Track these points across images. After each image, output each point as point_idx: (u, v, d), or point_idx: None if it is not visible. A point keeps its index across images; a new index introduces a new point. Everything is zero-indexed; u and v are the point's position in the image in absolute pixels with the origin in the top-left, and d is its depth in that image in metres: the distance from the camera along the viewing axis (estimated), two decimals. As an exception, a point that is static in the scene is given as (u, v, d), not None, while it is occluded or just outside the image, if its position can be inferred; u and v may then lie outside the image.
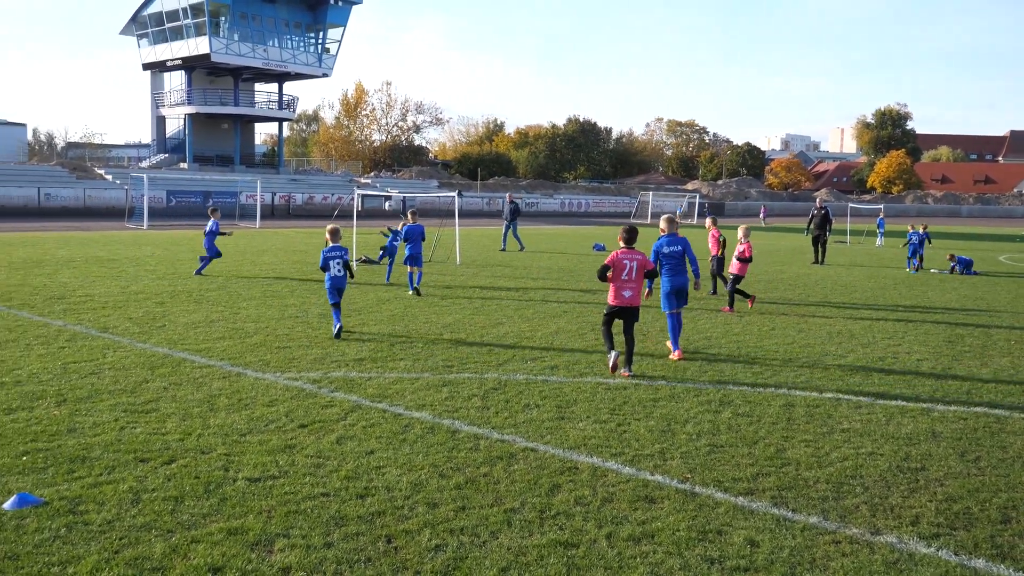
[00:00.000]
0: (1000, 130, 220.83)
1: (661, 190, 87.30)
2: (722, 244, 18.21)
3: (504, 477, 6.68)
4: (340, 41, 69.21)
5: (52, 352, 10.78)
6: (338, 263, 12.82)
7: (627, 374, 10.17)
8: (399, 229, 20.32)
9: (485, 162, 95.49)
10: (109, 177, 57.67)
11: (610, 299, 10.35)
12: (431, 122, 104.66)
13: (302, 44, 67.68)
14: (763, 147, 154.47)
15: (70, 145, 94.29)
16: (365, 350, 11.47)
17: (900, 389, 9.98)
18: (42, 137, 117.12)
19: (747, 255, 16.09)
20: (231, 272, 20.50)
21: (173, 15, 62.70)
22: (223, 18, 61.99)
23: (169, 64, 65.35)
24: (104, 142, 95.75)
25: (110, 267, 21.10)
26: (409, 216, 18.57)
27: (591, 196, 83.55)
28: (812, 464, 7.20)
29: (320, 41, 68.10)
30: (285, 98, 70.82)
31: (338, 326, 12.48)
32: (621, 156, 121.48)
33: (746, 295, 16.53)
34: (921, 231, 27.31)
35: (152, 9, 64.34)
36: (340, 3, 66.57)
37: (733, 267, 16.30)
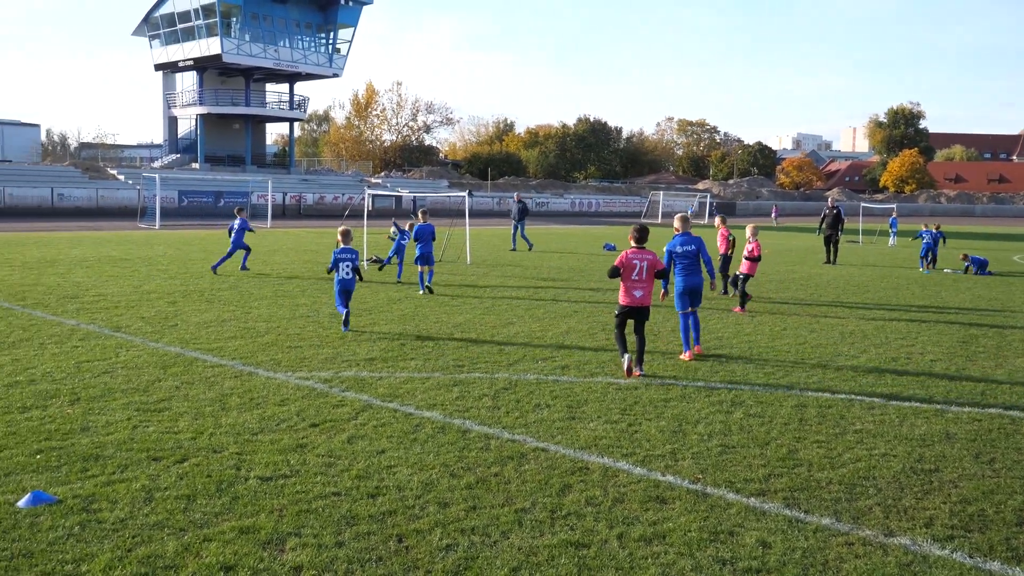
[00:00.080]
0: (1014, 129, 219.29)
1: (672, 190, 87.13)
2: (731, 243, 18.18)
3: (515, 477, 6.67)
4: (351, 41, 69.38)
5: (65, 351, 10.84)
6: (347, 266, 12.93)
7: (638, 373, 10.15)
8: (406, 228, 20.38)
9: (495, 162, 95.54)
10: (121, 177, 57.97)
11: (621, 299, 10.33)
12: (441, 122, 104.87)
13: (313, 44, 67.87)
14: (774, 146, 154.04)
15: (83, 146, 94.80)
16: (376, 350, 11.49)
17: (914, 390, 9.92)
18: (55, 138, 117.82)
19: (755, 254, 16.09)
20: (241, 272, 20.55)
21: (185, 16, 62.96)
22: (234, 19, 62.21)
23: (181, 65, 65.64)
24: (117, 142, 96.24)
25: (123, 267, 21.20)
26: (420, 216, 18.61)
27: (601, 196, 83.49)
28: (825, 465, 7.16)
29: (331, 41, 68.26)
30: (296, 98, 71.03)
31: (344, 312, 12.84)
32: (632, 156, 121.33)
33: (727, 292, 16.84)
34: (934, 230, 27.18)
35: (164, 10, 64.64)
36: (351, 3, 66.74)
37: (743, 266, 16.28)
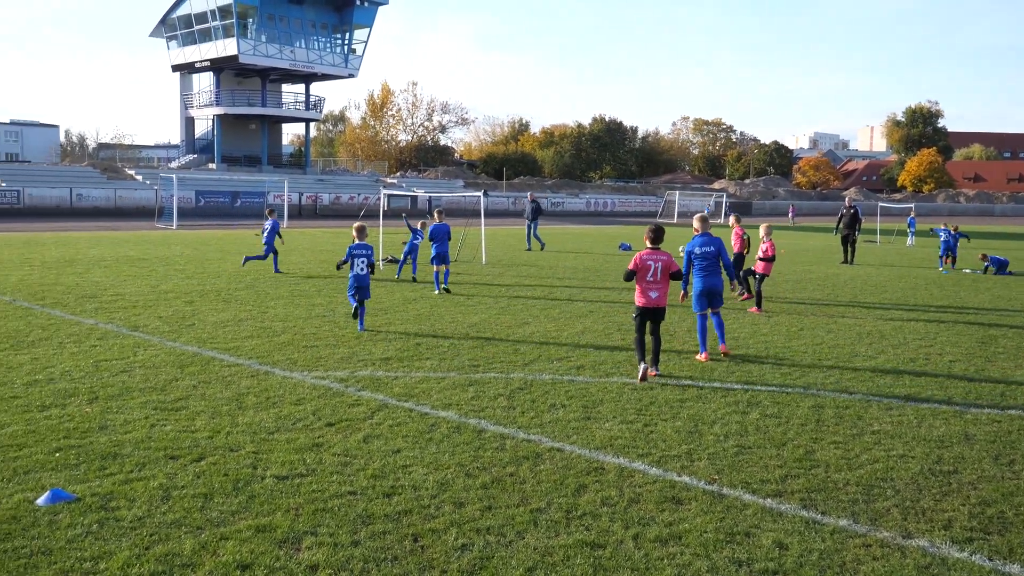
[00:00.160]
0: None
1: (688, 189, 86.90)
2: (746, 242, 18.12)
3: (530, 477, 6.67)
4: (366, 42, 69.56)
5: (84, 350, 10.92)
6: (362, 261, 13.01)
7: (654, 373, 10.12)
8: (418, 228, 20.44)
9: (511, 162, 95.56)
10: (139, 178, 58.38)
11: (637, 300, 10.29)
12: (457, 122, 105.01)
13: (329, 45, 68.09)
14: (791, 146, 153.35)
15: (101, 146, 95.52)
16: (391, 349, 11.51)
17: (932, 391, 9.85)
18: (74, 138, 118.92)
19: (769, 254, 16.04)
20: (259, 272, 20.66)
21: (202, 17, 63.30)
22: (251, 20, 62.51)
23: (198, 65, 66.01)
24: (134, 143, 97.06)
25: (140, 266, 21.34)
26: (436, 215, 18.63)
27: (617, 196, 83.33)
28: (842, 466, 7.12)
29: (346, 42, 68.46)
30: (312, 99, 71.29)
31: (354, 304, 13.00)
32: (647, 155, 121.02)
33: (745, 292, 16.75)
34: (952, 231, 26.97)
35: (181, 11, 65.03)
36: (366, 4, 66.91)
37: (757, 267, 16.23)
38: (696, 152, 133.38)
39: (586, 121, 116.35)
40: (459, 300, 16.49)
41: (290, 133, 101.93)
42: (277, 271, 20.63)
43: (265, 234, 20.91)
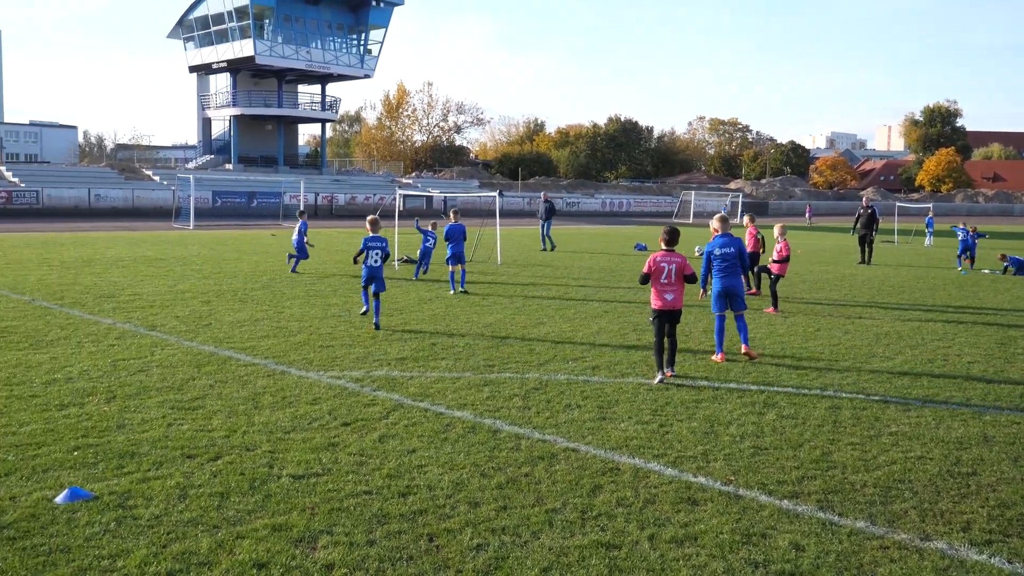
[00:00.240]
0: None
1: (703, 189, 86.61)
2: (760, 242, 18.05)
3: (545, 477, 6.66)
4: (382, 42, 69.67)
5: (102, 350, 10.99)
6: (376, 253, 13.14)
7: (670, 374, 10.08)
8: (429, 229, 20.53)
9: (526, 162, 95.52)
10: (156, 178, 58.75)
11: (652, 302, 10.22)
12: (472, 122, 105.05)
13: (344, 46, 68.27)
14: (808, 145, 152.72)
15: (119, 147, 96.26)
16: (407, 349, 11.53)
17: (950, 392, 9.77)
18: (92, 139, 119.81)
19: (784, 254, 15.99)
20: (275, 272, 20.75)
21: (219, 18, 63.62)
22: (267, 20, 62.76)
23: (215, 66, 66.34)
24: (152, 144, 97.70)
25: (157, 266, 21.47)
26: (451, 215, 18.66)
27: (632, 196, 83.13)
28: (859, 467, 7.07)
29: (362, 42, 68.63)
30: (328, 99, 71.48)
31: (365, 308, 13.16)
32: (663, 155, 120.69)
33: (752, 288, 16.75)
34: (971, 231, 26.77)
35: (198, 13, 65.36)
36: (382, 4, 67.04)
37: (772, 267, 16.18)
38: (712, 152, 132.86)
39: (601, 121, 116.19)
40: (474, 300, 16.50)
41: (306, 134, 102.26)
42: (294, 271, 20.72)
43: (297, 237, 21.16)
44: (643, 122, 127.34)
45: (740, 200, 68.65)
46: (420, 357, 11.05)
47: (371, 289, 13.23)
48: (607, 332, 13.25)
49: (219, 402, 8.62)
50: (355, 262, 13.78)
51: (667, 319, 10.12)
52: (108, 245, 28.04)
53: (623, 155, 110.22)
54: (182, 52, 68.50)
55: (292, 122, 72.74)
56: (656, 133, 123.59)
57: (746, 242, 18.40)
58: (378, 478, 6.55)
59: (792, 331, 13.71)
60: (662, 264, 10.04)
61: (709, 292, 11.51)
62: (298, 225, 21.37)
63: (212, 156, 69.26)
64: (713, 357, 11.32)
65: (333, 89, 72.83)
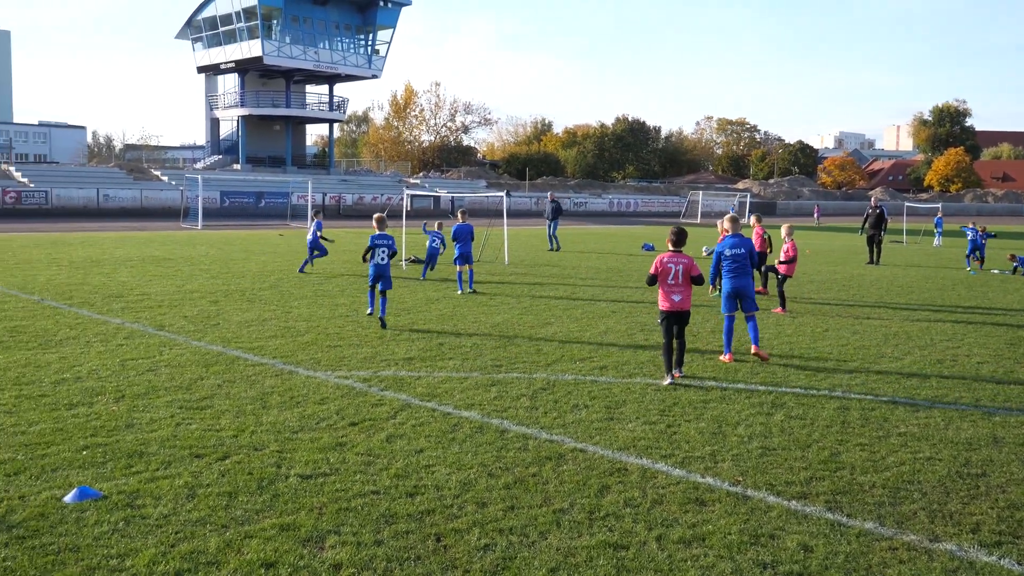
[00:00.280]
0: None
1: (711, 189, 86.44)
2: (767, 241, 18.03)
3: (553, 477, 6.66)
4: (389, 42, 69.81)
5: (111, 349, 11.03)
6: (383, 251, 13.18)
7: (678, 375, 10.05)
8: (435, 229, 20.57)
9: (533, 162, 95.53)
10: (165, 178, 58.93)
11: (660, 304, 10.14)
12: (479, 122, 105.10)
13: (352, 46, 68.41)
14: (816, 145, 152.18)
15: (128, 147, 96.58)
16: (414, 349, 11.54)
17: (960, 393, 9.73)
18: (101, 139, 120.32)
19: (790, 254, 15.95)
20: (283, 272, 20.79)
21: (227, 19, 63.81)
22: (275, 21, 62.93)
23: (223, 67, 66.55)
24: (160, 144, 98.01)
25: (166, 266, 21.53)
26: (459, 216, 18.67)
27: (640, 196, 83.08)
28: (868, 468, 7.05)
29: (370, 43, 68.75)
30: (335, 99, 71.63)
31: (369, 312, 13.24)
32: (670, 155, 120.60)
33: (759, 286, 16.78)
34: (980, 231, 26.66)
35: (206, 13, 65.58)
36: (389, 5, 67.16)
37: (780, 268, 16.14)
38: (720, 152, 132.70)
39: (609, 121, 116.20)
40: (482, 300, 16.50)
41: (314, 134, 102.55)
42: (301, 271, 20.76)
43: (311, 234, 21.32)
44: (651, 122, 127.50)
45: (748, 200, 68.49)
46: (427, 357, 11.05)
47: (378, 287, 13.25)
48: (614, 332, 13.23)
49: (227, 402, 8.64)
50: (364, 260, 13.77)
51: (675, 320, 10.05)
52: (117, 245, 28.13)
53: (630, 155, 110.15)
54: (190, 52, 68.77)
55: (300, 122, 72.92)
56: (664, 133, 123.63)
57: (753, 242, 18.38)
58: (386, 478, 6.55)
59: (800, 331, 13.67)
60: (669, 265, 9.98)
61: (719, 289, 11.45)
62: (313, 224, 21.55)
63: (220, 156, 69.46)
64: (721, 357, 11.29)
65: (341, 89, 73.02)
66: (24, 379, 9.32)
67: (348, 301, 15.96)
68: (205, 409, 8.35)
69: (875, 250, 27.43)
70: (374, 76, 70.42)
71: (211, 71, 68.50)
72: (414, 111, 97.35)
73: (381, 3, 66.42)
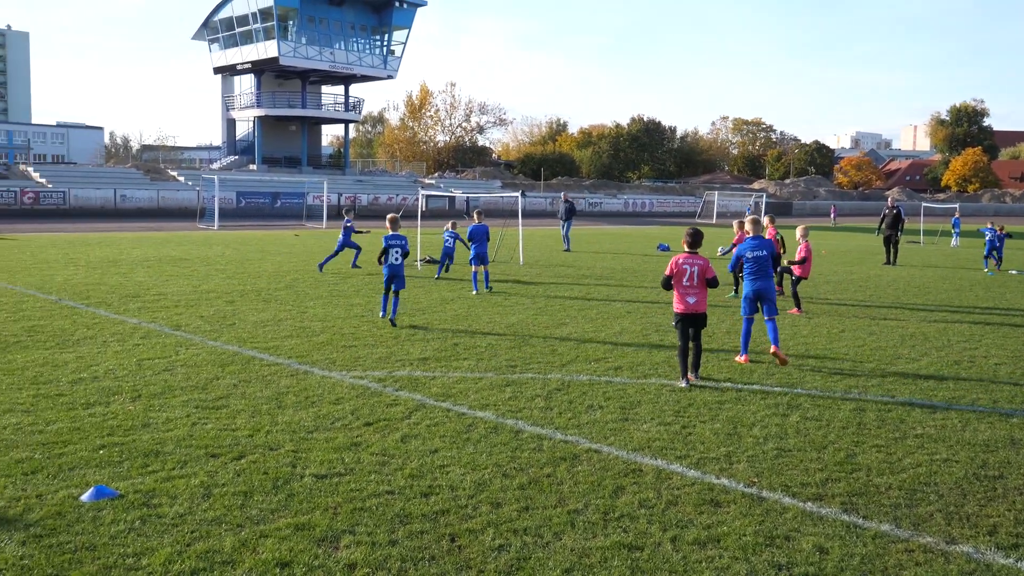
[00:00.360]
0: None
1: (727, 189, 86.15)
2: (780, 241, 17.95)
3: (567, 478, 6.65)
4: (405, 43, 69.92)
5: (127, 349, 11.10)
6: (396, 252, 13.23)
7: (693, 378, 9.98)
8: (451, 228, 20.63)
9: (548, 162, 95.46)
10: (181, 179, 59.26)
11: (675, 306, 10.05)
12: (494, 123, 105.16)
13: (368, 46, 68.56)
14: (832, 145, 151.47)
15: (145, 148, 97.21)
16: (429, 349, 11.56)
17: (977, 394, 9.66)
18: (118, 140, 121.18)
19: (802, 255, 15.88)
20: (299, 272, 20.87)
21: (243, 20, 64.09)
22: (291, 22, 63.17)
23: (239, 68, 66.85)
24: (177, 144, 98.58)
25: (182, 266, 21.65)
26: (475, 216, 18.69)
27: (655, 196, 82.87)
28: (884, 470, 7.01)
29: (385, 43, 68.88)
30: (351, 100, 71.81)
31: (382, 315, 13.35)
32: (686, 155, 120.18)
33: (777, 287, 16.75)
34: (999, 231, 26.45)
35: (223, 14, 65.88)
36: (405, 5, 67.26)
37: (794, 269, 16.06)
38: (735, 152, 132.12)
39: (624, 121, 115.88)
40: (496, 300, 16.51)
41: (329, 134, 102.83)
42: (320, 269, 20.88)
43: (343, 233, 21.88)
44: (666, 122, 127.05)
45: (764, 200, 68.20)
46: (442, 357, 11.07)
47: (391, 288, 13.28)
48: (630, 332, 13.21)
49: (243, 401, 8.68)
50: (380, 263, 13.78)
51: (690, 323, 9.94)
52: (134, 245, 28.31)
53: (646, 155, 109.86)
54: (207, 53, 69.12)
55: (315, 123, 73.14)
56: (679, 133, 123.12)
57: None
58: (400, 478, 6.56)
59: (816, 332, 13.60)
60: (684, 266, 9.90)
61: (737, 291, 11.36)
62: (344, 223, 22.16)
63: (236, 157, 69.77)
64: (737, 358, 11.24)
65: (356, 90, 73.21)
66: (42, 378, 9.39)
67: (363, 301, 16.00)
68: (221, 409, 8.39)
69: (892, 250, 27.26)
70: (389, 76, 70.55)
71: (227, 72, 68.82)
72: (429, 111, 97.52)
73: (396, 4, 66.54)
